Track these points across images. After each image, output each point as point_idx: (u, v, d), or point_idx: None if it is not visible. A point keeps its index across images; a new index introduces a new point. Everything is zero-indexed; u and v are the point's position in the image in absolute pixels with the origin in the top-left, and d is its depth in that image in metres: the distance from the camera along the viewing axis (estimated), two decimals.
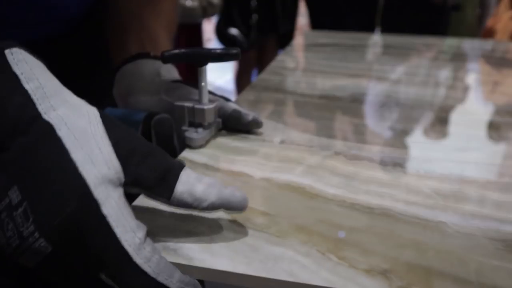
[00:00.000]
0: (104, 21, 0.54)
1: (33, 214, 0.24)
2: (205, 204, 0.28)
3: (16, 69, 0.27)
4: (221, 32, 1.96)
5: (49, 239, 0.24)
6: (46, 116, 0.26)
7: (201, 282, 0.28)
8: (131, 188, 0.27)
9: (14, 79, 0.26)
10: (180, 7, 1.67)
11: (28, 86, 0.26)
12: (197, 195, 0.28)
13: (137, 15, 0.51)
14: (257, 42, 2.03)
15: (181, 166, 0.29)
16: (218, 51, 0.42)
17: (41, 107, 0.26)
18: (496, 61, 0.90)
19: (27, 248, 0.25)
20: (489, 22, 1.78)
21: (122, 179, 0.27)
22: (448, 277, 0.27)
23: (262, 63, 2.07)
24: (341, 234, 0.31)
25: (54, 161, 0.25)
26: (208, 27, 2.54)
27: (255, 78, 0.72)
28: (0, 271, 0.60)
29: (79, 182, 0.25)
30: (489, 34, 1.70)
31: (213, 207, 0.28)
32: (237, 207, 0.29)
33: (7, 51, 0.27)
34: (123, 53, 0.49)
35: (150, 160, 0.28)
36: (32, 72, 0.27)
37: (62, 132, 0.26)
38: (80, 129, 0.26)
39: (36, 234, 0.24)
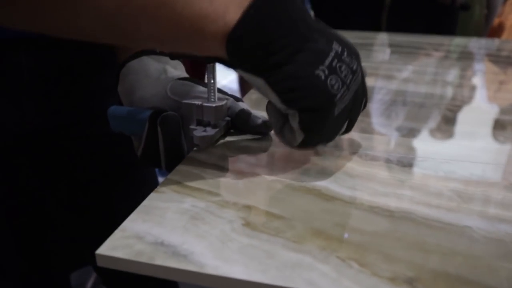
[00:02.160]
0: None
1: (352, 54, 0.35)
2: None
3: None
4: None
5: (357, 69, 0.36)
6: None
7: (175, 283, 0.27)
8: None
9: None
10: None
11: None
12: None
13: None
14: None
15: None
16: None
17: None
18: (503, 60, 0.88)
19: (355, 77, 0.35)
20: (495, 21, 1.77)
21: None
22: (478, 285, 0.25)
23: None
24: (345, 235, 0.29)
25: None
26: None
27: None
28: (1, 274, 0.59)
29: None
30: (495, 33, 1.68)
31: None
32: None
33: None
34: (128, 48, 0.48)
35: None
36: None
37: None
38: None
39: (357, 66, 0.35)
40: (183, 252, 0.28)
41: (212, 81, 0.41)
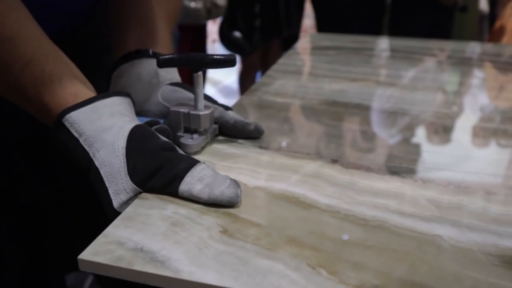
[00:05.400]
0: (107, 14, 0.54)
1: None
2: (201, 201, 0.35)
3: (74, 132, 0.37)
4: (224, 35, 1.95)
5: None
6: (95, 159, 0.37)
7: None
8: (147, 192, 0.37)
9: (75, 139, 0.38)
10: (184, 9, 1.67)
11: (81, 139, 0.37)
12: (194, 194, 0.35)
13: (137, 5, 0.51)
14: (261, 46, 2.03)
15: (186, 170, 0.36)
16: (213, 57, 0.41)
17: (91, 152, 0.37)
18: (502, 65, 0.89)
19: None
20: (496, 24, 1.76)
21: (140, 191, 0.36)
22: None
23: (266, 65, 2.06)
24: (345, 237, 0.31)
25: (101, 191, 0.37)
26: (214, 28, 2.53)
27: (258, 80, 0.72)
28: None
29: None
30: (496, 36, 1.68)
31: (208, 203, 0.35)
32: (227, 204, 0.35)
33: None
34: (122, 47, 0.49)
35: (159, 174, 0.36)
36: (80, 128, 0.37)
37: (103, 171, 0.36)
38: (113, 169, 0.36)
39: None
40: (161, 258, 0.29)
41: (198, 89, 0.43)
